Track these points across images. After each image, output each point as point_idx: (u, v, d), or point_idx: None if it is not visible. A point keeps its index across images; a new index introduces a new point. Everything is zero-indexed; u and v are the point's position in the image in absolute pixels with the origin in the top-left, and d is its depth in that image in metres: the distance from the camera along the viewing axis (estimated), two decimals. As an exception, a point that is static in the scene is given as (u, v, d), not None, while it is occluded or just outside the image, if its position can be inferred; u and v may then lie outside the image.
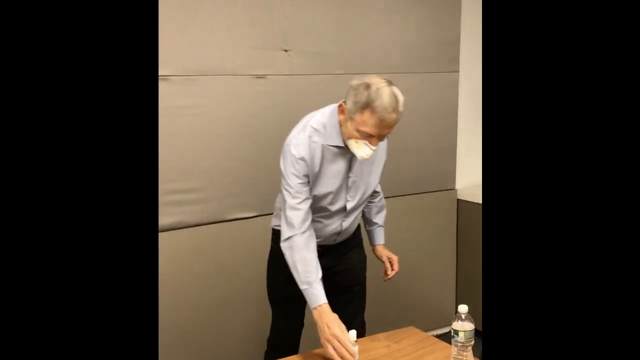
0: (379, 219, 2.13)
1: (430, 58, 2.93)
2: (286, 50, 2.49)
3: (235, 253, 2.49)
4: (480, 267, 2.46)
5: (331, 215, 1.87)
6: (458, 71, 3.06)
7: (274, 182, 2.34)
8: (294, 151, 1.74)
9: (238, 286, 2.50)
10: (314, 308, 1.68)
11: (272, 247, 2.02)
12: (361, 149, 1.69)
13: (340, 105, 1.73)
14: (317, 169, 1.77)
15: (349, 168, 1.82)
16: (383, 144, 1.87)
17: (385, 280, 2.06)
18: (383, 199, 2.14)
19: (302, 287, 1.71)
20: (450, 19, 2.98)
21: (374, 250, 2.13)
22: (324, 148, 1.76)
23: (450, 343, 1.64)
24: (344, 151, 1.77)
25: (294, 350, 1.97)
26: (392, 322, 2.21)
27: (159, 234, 2.25)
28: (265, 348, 2.09)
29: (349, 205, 1.87)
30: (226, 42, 2.35)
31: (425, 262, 3.10)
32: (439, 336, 2.46)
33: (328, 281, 1.76)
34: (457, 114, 3.10)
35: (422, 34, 2.88)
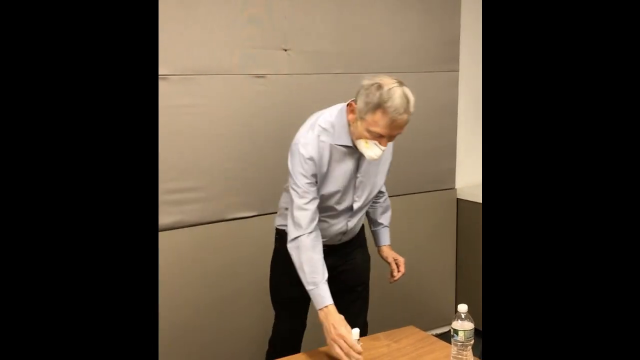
0: (385, 219, 2.11)
1: (430, 57, 2.92)
2: (286, 50, 2.49)
3: (235, 252, 2.48)
4: (480, 266, 2.46)
5: (337, 214, 1.86)
6: (458, 71, 3.05)
7: (274, 181, 2.35)
8: (302, 150, 1.73)
9: (238, 285, 2.50)
10: (320, 309, 1.68)
11: (276, 247, 2.01)
12: (371, 149, 1.68)
13: (349, 105, 1.72)
14: (325, 168, 1.76)
15: (357, 168, 1.81)
16: (389, 145, 1.87)
17: (391, 282, 2.05)
18: (388, 199, 2.13)
19: (308, 287, 1.71)
20: (450, 18, 2.98)
21: (379, 251, 2.11)
22: (332, 147, 1.75)
23: (450, 342, 1.64)
24: (352, 151, 1.77)
25: (296, 350, 1.97)
26: (392, 322, 2.20)
27: (159, 233, 2.25)
28: (266, 348, 2.09)
29: (356, 205, 1.87)
30: (226, 41, 2.35)
31: (425, 262, 3.10)
32: (438, 335, 2.45)
33: (333, 281, 1.76)
34: (457, 114, 3.10)
35: (422, 34, 2.88)
